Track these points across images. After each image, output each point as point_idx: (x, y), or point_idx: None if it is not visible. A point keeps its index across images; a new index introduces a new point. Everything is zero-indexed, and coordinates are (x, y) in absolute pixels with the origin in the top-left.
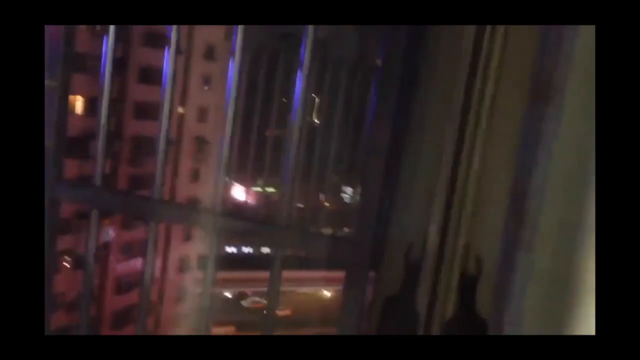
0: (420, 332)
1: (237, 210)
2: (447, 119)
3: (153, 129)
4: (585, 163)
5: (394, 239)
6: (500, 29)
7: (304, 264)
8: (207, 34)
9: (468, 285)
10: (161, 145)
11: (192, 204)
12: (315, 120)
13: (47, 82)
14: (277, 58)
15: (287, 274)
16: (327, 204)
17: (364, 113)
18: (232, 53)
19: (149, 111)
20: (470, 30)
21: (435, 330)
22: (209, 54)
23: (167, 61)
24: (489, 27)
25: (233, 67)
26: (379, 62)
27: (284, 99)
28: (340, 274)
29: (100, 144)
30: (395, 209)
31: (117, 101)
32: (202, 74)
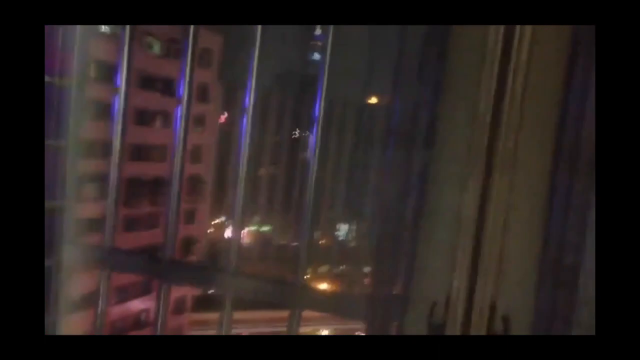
0: None
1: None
2: (469, 175)
3: (147, 170)
4: None
5: (416, 298)
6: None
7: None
8: (201, 75)
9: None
10: (173, 203)
11: (205, 265)
12: (309, 157)
13: (52, 142)
14: (270, 97)
15: (307, 313)
16: (322, 241)
17: (358, 150)
18: (245, 110)
19: (144, 153)
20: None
21: None
22: (202, 95)
23: (180, 108)
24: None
25: (246, 120)
26: (372, 100)
27: (277, 137)
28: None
29: (110, 207)
30: (418, 266)
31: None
32: (195, 115)
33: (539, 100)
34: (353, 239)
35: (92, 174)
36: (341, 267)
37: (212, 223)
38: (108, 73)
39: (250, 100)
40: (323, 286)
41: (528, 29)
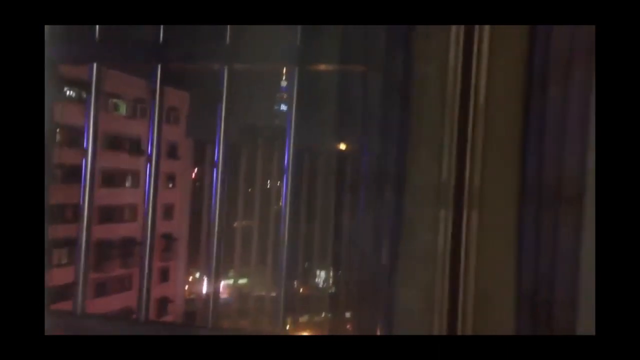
0: None
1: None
2: (440, 198)
3: (118, 231)
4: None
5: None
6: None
7: None
8: (169, 133)
9: None
10: (145, 263)
11: (183, 323)
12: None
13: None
14: (239, 151)
15: None
16: (301, 290)
17: (330, 198)
18: (215, 165)
19: (112, 214)
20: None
21: None
22: (172, 152)
23: (148, 168)
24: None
25: (216, 173)
26: (339, 146)
27: (249, 189)
28: None
29: (81, 275)
30: (397, 308)
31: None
32: (166, 172)
33: (500, 138)
34: (332, 285)
35: (59, 239)
36: (322, 315)
37: (189, 279)
38: (74, 137)
39: (220, 154)
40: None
41: (484, 68)
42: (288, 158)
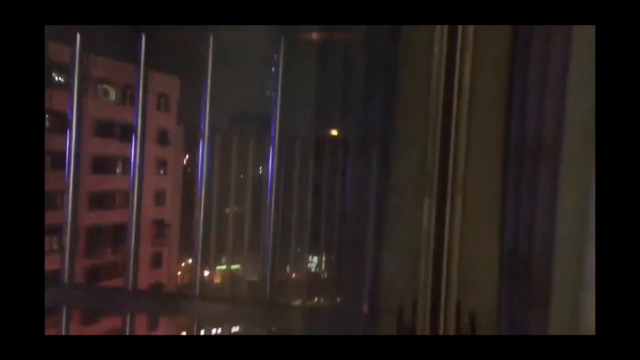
0: None
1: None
2: (425, 179)
3: (109, 217)
4: (584, 218)
5: (384, 305)
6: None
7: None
8: (160, 119)
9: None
10: (132, 232)
11: (169, 293)
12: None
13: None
14: (230, 138)
15: None
16: (293, 275)
17: (321, 184)
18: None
19: (102, 201)
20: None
21: None
22: (162, 138)
23: (134, 150)
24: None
25: (201, 160)
26: (332, 133)
27: (240, 176)
28: None
29: (67, 240)
30: (382, 275)
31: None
32: (157, 158)
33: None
34: (325, 270)
35: (48, 226)
36: (315, 299)
37: (182, 265)
38: (63, 123)
39: (205, 140)
40: None
41: (469, 51)
42: (273, 144)
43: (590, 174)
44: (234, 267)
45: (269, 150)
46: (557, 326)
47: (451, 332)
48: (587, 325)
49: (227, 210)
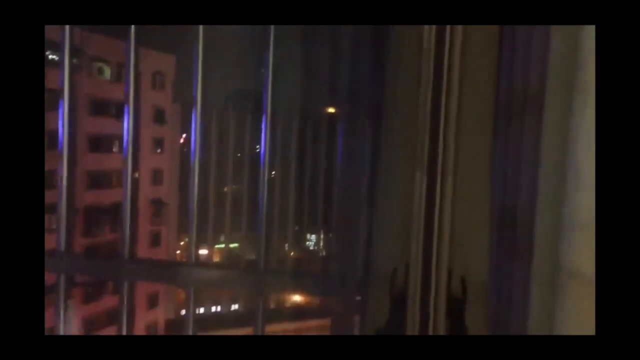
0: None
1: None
2: (417, 146)
3: (106, 198)
4: (564, 171)
5: (377, 270)
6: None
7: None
8: (155, 98)
9: (457, 308)
10: (127, 206)
11: (167, 260)
12: (272, 173)
13: None
14: (228, 115)
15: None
16: (292, 253)
17: (318, 162)
18: (194, 129)
19: (100, 180)
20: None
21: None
22: (159, 117)
23: (127, 128)
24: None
25: (194, 139)
26: (329, 110)
27: (238, 155)
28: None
29: (63, 210)
30: (376, 241)
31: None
32: (153, 138)
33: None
34: (323, 248)
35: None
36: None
37: (181, 244)
38: (56, 101)
39: (197, 118)
40: (297, 298)
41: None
42: (265, 122)
43: (570, 126)
44: (232, 245)
45: (262, 127)
46: (539, 272)
47: (442, 293)
48: (568, 268)
49: (226, 189)
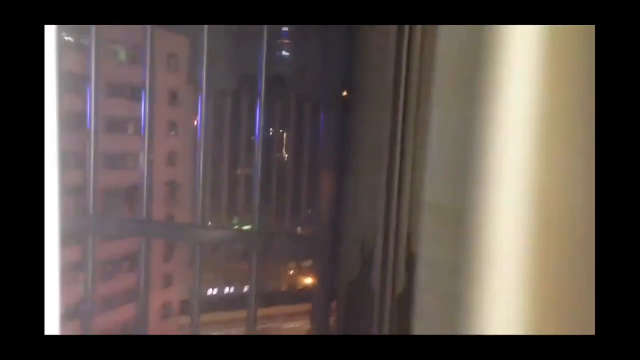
0: (376, 307)
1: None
2: (382, 131)
3: (122, 179)
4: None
5: (350, 235)
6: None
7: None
8: (170, 80)
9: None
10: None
11: (177, 222)
12: (285, 155)
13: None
14: (240, 99)
15: (269, 310)
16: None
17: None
18: (205, 112)
19: (116, 161)
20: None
21: (389, 305)
22: (172, 99)
23: (144, 111)
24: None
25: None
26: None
27: (252, 138)
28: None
29: (91, 175)
30: (348, 211)
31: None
32: (167, 120)
33: None
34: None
35: (68, 186)
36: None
37: None
38: (74, 83)
39: (203, 101)
40: (308, 281)
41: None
42: (260, 107)
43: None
44: (245, 228)
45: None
46: None
47: (402, 253)
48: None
49: (239, 172)
